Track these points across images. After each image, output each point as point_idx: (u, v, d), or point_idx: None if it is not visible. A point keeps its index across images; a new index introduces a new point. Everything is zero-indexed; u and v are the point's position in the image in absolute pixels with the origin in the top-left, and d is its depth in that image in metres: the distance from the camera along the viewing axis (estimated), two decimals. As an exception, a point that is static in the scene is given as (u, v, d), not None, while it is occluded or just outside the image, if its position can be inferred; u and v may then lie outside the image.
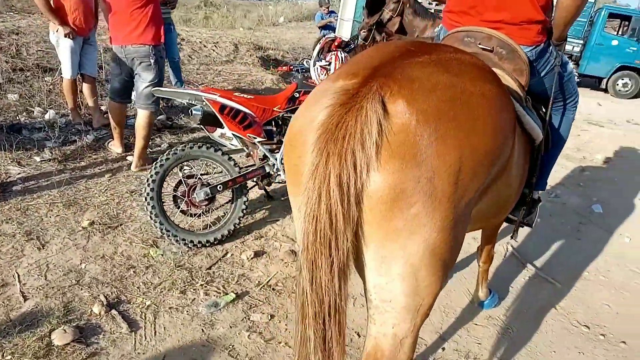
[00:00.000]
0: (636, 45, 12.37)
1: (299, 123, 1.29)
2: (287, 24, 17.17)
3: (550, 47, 1.86)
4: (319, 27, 9.11)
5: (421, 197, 1.11)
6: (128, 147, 4.29)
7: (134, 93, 3.87)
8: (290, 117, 3.41)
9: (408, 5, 8.41)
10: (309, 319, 1.19)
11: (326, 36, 3.43)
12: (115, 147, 4.21)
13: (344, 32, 8.39)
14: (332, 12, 9.13)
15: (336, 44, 3.35)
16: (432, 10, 10.41)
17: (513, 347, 2.50)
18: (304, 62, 3.69)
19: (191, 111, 3.01)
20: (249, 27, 14.03)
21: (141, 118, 3.76)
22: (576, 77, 2.22)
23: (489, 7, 1.78)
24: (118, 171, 3.93)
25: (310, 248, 1.13)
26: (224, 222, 3.16)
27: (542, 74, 1.92)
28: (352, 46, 3.42)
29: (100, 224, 3.17)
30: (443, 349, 2.46)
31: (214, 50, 8.42)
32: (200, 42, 8.42)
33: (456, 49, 1.48)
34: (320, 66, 3.30)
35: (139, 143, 3.84)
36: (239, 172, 3.17)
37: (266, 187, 3.57)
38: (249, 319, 2.51)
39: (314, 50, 3.43)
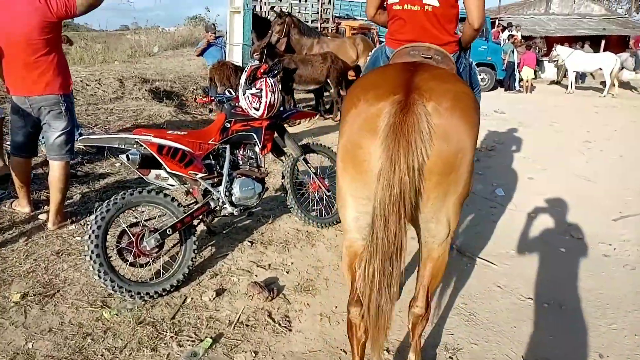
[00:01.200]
0: (486, 44, 14.16)
1: (366, 126, 1.77)
2: (164, 53, 16.60)
3: (461, 53, 2.61)
4: (198, 55, 8.99)
5: (457, 166, 1.75)
6: (35, 205, 3.86)
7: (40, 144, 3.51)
8: (226, 148, 3.37)
9: (293, 25, 8.73)
10: (378, 261, 1.70)
11: (251, 64, 3.44)
12: (21, 207, 3.77)
13: (236, 57, 8.39)
14: (220, 37, 9.08)
15: (262, 70, 3.38)
16: (318, 28, 10.88)
17: (480, 330, 2.73)
18: (226, 92, 3.65)
19: (128, 156, 2.83)
20: (125, 60, 13.32)
21: (56, 170, 3.42)
22: None
23: (418, 33, 2.43)
24: (33, 233, 3.52)
25: (385, 207, 1.65)
26: (178, 266, 3.00)
27: (460, 70, 2.59)
28: (276, 71, 3.47)
29: (34, 295, 2.82)
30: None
31: (98, 88, 7.87)
32: (81, 81, 7.82)
33: (435, 66, 2.20)
34: (252, 94, 3.31)
35: (55, 197, 3.49)
36: (185, 212, 3.04)
37: (209, 223, 3.46)
38: (233, 360, 2.43)
39: (240, 79, 3.41)
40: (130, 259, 2.87)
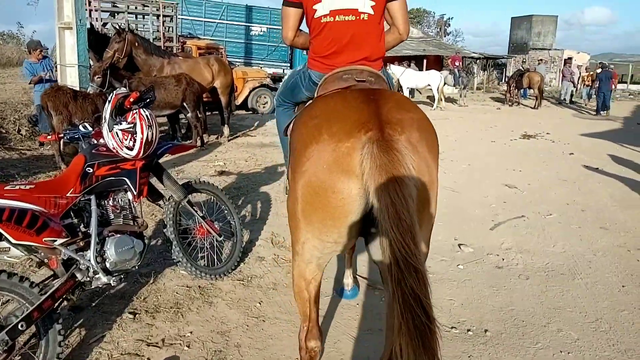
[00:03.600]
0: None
1: (338, 167, 1.63)
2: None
3: (385, 68, 2.46)
4: (35, 83, 7.34)
5: (432, 197, 1.74)
6: None
7: None
8: (91, 200, 2.64)
9: (136, 44, 7.83)
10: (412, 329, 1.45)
11: (116, 93, 2.74)
12: None
13: (70, 80, 7.17)
14: (46, 57, 7.69)
15: (131, 100, 2.71)
16: (165, 48, 9.98)
17: None
18: (81, 127, 2.89)
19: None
20: None
21: None
22: None
23: (350, 49, 2.20)
24: None
25: (400, 231, 1.48)
26: (37, 372, 2.20)
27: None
28: (149, 100, 2.82)
29: None
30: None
31: None
32: None
33: (390, 91, 2.14)
34: (122, 130, 2.62)
35: None
36: (43, 294, 2.25)
37: (74, 299, 2.66)
38: None
39: (105, 111, 2.70)
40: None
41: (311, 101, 2.24)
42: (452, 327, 2.94)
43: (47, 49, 9.88)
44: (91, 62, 7.54)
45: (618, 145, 9.87)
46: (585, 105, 18.55)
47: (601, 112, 16.11)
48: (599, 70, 17.17)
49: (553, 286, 3.49)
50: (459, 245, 4.22)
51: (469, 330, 2.92)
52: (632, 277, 3.66)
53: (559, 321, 3.01)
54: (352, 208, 1.62)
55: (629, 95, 23.71)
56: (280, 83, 2.74)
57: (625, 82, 27.10)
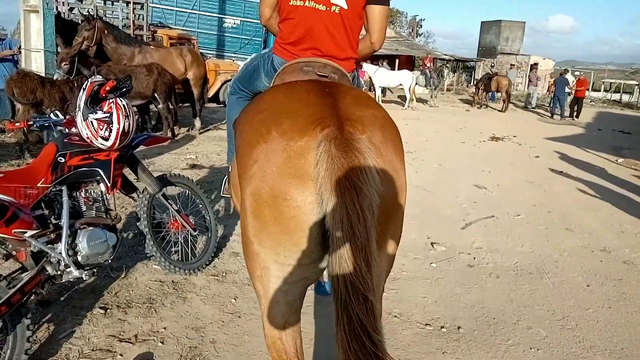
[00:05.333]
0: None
1: (289, 170, 1.38)
2: None
3: (356, 73, 2.26)
4: None
5: (400, 205, 1.53)
6: None
7: None
8: (62, 190, 2.54)
9: (106, 32, 7.59)
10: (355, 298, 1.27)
11: (91, 80, 2.64)
12: None
13: (35, 65, 6.89)
14: (3, 40, 7.34)
15: (107, 88, 2.62)
16: (135, 37, 9.69)
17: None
18: (52, 114, 2.77)
19: None
20: None
21: None
22: None
23: (316, 40, 1.98)
24: None
25: (352, 250, 1.28)
26: (4, 368, 2.10)
27: None
28: (126, 89, 2.73)
29: None
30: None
31: None
32: None
33: (348, 85, 1.89)
34: (97, 119, 2.52)
35: None
36: (11, 288, 2.15)
37: (43, 293, 2.56)
38: None
39: (79, 99, 2.59)
40: None
41: (258, 95, 1.99)
42: (426, 324, 2.99)
43: (6, 31, 9.45)
44: (58, 49, 7.26)
45: (581, 149, 10.24)
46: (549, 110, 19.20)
47: (565, 117, 16.72)
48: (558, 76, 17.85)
49: (522, 285, 3.59)
50: (432, 243, 4.29)
51: (442, 327, 2.97)
52: (595, 276, 3.80)
53: (528, 319, 3.09)
54: (309, 218, 1.35)
55: (590, 102, 24.61)
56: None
57: (587, 90, 28.17)
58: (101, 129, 2.57)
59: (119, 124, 2.60)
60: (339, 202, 1.29)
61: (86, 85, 2.62)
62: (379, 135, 1.47)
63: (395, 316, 3.06)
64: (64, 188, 2.56)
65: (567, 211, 5.57)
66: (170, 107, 7.89)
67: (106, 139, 2.61)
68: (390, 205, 1.46)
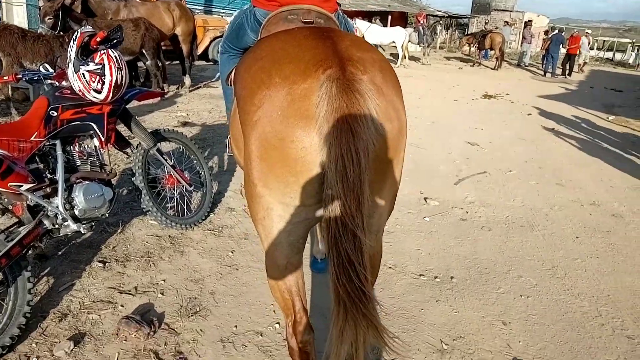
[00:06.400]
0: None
1: (295, 112, 1.38)
2: None
3: (340, 12, 2.24)
4: None
5: (400, 148, 1.54)
6: None
7: None
8: (56, 144, 2.52)
9: (90, -15, 7.30)
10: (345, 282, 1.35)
11: (81, 31, 2.55)
12: None
13: (17, 19, 6.64)
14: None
15: (98, 40, 2.54)
16: None
17: (394, 320, 2.58)
18: (41, 68, 2.70)
19: None
20: None
21: None
22: None
23: None
24: None
25: (345, 208, 1.33)
26: (7, 319, 2.13)
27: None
28: (117, 40, 2.65)
29: None
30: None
31: None
32: None
33: (346, 32, 1.95)
34: (89, 71, 2.46)
35: None
36: (10, 241, 2.16)
37: (42, 246, 2.57)
38: None
39: (69, 51, 2.52)
40: None
41: (253, 45, 1.96)
42: (420, 275, 3.06)
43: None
44: (40, 2, 6.99)
45: (572, 107, 10.25)
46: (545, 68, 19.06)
47: (557, 75, 16.63)
48: (554, 32, 17.60)
49: (513, 237, 3.67)
50: (425, 199, 4.34)
51: (436, 277, 3.05)
52: (585, 229, 3.89)
53: (519, 268, 3.18)
54: (316, 159, 1.37)
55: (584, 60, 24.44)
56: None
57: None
58: (93, 81, 2.52)
59: (111, 75, 2.54)
60: (334, 143, 1.31)
61: (76, 37, 2.55)
62: (380, 76, 1.46)
63: (390, 267, 3.13)
64: (57, 142, 2.53)
65: (558, 167, 5.63)
66: (159, 63, 7.71)
67: (99, 92, 2.56)
68: (392, 145, 1.47)
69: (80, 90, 2.54)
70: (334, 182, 1.31)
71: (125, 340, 2.27)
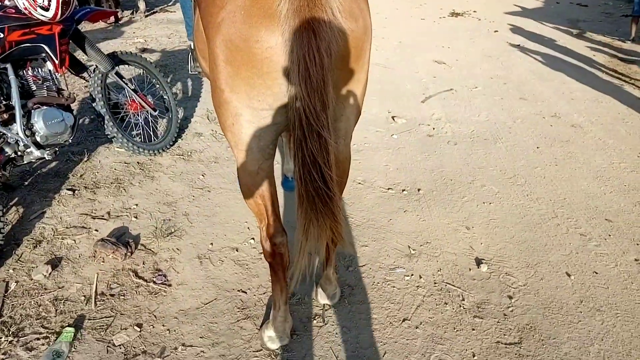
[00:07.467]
0: None
1: (258, 11, 1.32)
2: None
3: None
4: None
5: (365, 49, 1.51)
6: None
7: None
8: (7, 68, 2.39)
9: None
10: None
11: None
12: None
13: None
14: None
15: (39, -48, 2.34)
16: None
17: (364, 231, 2.71)
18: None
19: None
20: None
21: None
22: None
23: None
24: None
25: (308, 109, 1.34)
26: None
27: None
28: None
29: None
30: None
31: None
32: None
33: None
34: (33, -12, 2.28)
35: None
36: (-29, 170, 2.11)
37: (6, 175, 2.51)
38: (114, 344, 1.90)
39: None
40: None
41: None
42: (388, 189, 3.16)
43: None
44: None
45: (539, 23, 10.21)
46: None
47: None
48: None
49: (478, 150, 3.78)
50: (393, 117, 4.37)
51: (403, 190, 3.16)
52: (545, 139, 4.04)
53: (482, 178, 3.32)
54: (282, 59, 1.34)
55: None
56: None
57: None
58: (40, -1, 2.35)
59: (57, -8, 2.38)
60: (297, 43, 1.29)
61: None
62: None
63: (360, 183, 3.22)
64: (8, 66, 2.41)
65: (522, 82, 5.71)
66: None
67: (46, 9, 2.40)
68: (356, 45, 1.44)
69: (25, 8, 2.38)
70: (297, 83, 1.31)
71: (103, 261, 2.31)
